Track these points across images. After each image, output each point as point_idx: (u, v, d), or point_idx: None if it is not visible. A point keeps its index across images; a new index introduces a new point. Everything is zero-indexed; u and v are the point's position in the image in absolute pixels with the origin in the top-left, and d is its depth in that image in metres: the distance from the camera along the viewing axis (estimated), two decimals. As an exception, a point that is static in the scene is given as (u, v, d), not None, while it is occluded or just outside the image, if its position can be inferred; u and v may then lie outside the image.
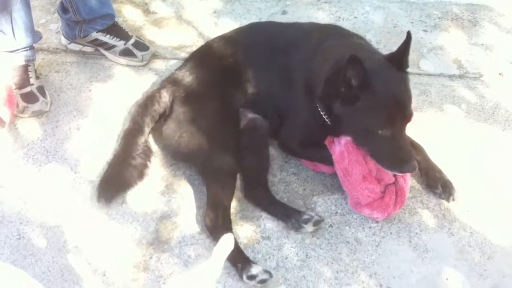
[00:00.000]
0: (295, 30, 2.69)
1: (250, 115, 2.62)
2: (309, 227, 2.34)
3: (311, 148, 2.54)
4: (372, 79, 2.10)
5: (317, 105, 2.37)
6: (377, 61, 2.27)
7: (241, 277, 2.20)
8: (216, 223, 2.32)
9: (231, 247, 1.56)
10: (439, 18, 3.54)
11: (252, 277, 2.17)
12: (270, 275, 2.18)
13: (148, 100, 2.64)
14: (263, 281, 2.17)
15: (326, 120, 2.37)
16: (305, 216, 2.35)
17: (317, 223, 2.35)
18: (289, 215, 2.38)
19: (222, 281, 2.22)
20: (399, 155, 2.19)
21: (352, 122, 2.24)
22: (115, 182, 2.50)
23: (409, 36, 2.17)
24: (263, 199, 2.47)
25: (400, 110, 2.16)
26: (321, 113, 2.37)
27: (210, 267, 1.50)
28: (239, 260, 2.22)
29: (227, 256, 2.13)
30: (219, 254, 1.53)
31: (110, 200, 2.46)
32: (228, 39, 2.79)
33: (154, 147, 2.68)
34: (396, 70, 2.21)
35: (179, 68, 2.73)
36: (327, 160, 2.43)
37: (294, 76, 2.50)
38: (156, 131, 2.72)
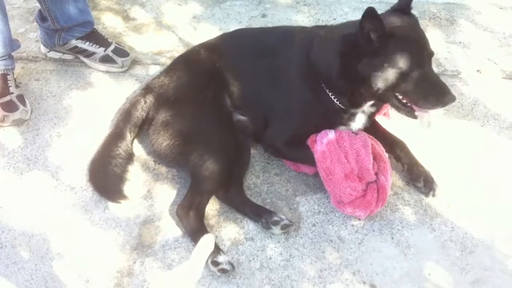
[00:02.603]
0: (279, 32, 2.72)
1: (236, 117, 2.64)
2: (276, 230, 2.37)
3: (295, 148, 2.55)
4: (391, 25, 2.21)
5: (327, 90, 2.41)
6: (387, 13, 2.37)
7: (206, 261, 2.24)
8: (187, 214, 2.37)
9: (211, 248, 1.56)
10: (416, 17, 3.57)
11: (215, 263, 2.23)
12: (233, 267, 2.24)
13: (132, 106, 2.66)
14: (224, 271, 2.23)
15: (337, 103, 2.42)
16: (275, 218, 2.37)
17: (285, 227, 2.36)
18: (260, 215, 2.41)
19: (206, 284, 2.22)
20: (436, 89, 2.25)
21: (383, 73, 2.24)
22: (102, 178, 2.56)
23: None
24: (236, 199, 2.49)
25: (424, 48, 2.26)
26: (332, 97, 2.42)
27: (191, 268, 1.50)
28: None
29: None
30: (199, 254, 1.53)
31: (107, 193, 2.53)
32: (213, 45, 2.82)
33: (135, 152, 2.68)
34: (405, 15, 2.31)
35: (165, 73, 2.75)
36: (310, 159, 2.45)
37: (285, 75, 2.53)
38: (139, 137, 2.73)
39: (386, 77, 2.24)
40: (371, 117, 2.54)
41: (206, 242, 1.57)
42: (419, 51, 2.24)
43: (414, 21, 2.35)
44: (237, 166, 2.56)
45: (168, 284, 1.48)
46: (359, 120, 2.50)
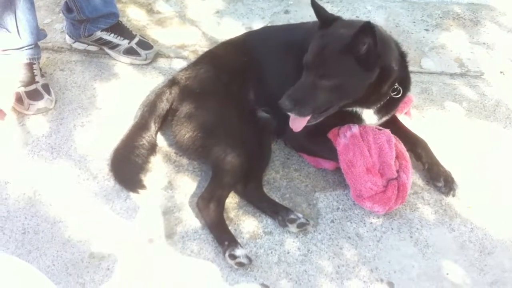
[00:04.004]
0: (306, 29, 2.73)
1: (260, 114, 2.66)
2: (292, 228, 2.37)
3: (316, 141, 2.56)
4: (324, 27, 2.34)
5: None
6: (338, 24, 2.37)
7: (224, 254, 2.27)
8: (208, 206, 2.39)
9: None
10: (440, 17, 3.57)
11: (233, 257, 2.24)
12: (250, 261, 2.25)
13: (158, 97, 2.70)
14: (241, 264, 2.24)
15: None
16: (292, 216, 2.38)
17: (301, 225, 2.37)
18: (277, 212, 2.42)
19: (224, 275, 2.24)
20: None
21: None
22: (123, 167, 2.60)
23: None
24: (254, 195, 2.50)
25: (310, 57, 2.28)
26: None
27: None
28: (227, 239, 2.31)
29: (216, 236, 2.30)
30: None
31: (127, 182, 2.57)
32: (241, 41, 2.85)
33: (158, 143, 2.71)
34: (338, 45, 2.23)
35: (192, 66, 2.78)
36: (331, 153, 2.46)
37: None
38: (161, 129, 2.76)
39: None
40: (384, 111, 2.51)
41: None
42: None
43: (328, 40, 2.30)
44: (257, 162, 2.57)
45: None
46: (368, 116, 2.49)
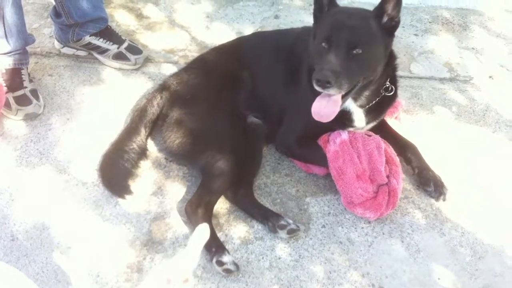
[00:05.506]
0: (296, 34, 2.75)
1: (250, 119, 2.66)
2: (283, 234, 2.36)
3: (307, 147, 2.56)
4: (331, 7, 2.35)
5: None
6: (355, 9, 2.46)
7: (211, 260, 2.25)
8: (196, 211, 2.37)
9: (207, 236, 1.58)
10: (429, 22, 3.59)
11: (220, 263, 2.22)
12: (237, 268, 2.24)
13: (148, 102, 2.69)
14: (228, 271, 2.22)
15: None
16: (282, 222, 2.37)
17: (292, 231, 2.36)
18: (267, 218, 2.41)
19: (215, 282, 2.22)
20: (321, 64, 2.19)
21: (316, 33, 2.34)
22: (111, 172, 2.57)
23: None
24: (244, 201, 2.49)
25: (337, 30, 2.21)
26: None
27: (187, 256, 1.51)
28: (214, 245, 2.28)
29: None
30: (196, 242, 1.54)
31: (114, 188, 2.55)
32: (232, 46, 2.85)
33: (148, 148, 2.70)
34: (361, 16, 2.28)
35: (183, 71, 2.78)
36: (322, 159, 2.46)
37: (298, 74, 2.54)
38: (151, 134, 2.74)
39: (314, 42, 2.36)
40: (373, 114, 2.52)
41: (202, 230, 1.58)
42: (332, 30, 2.24)
43: (356, 18, 2.31)
44: (248, 167, 2.56)
45: (165, 273, 1.49)
46: (358, 117, 2.48)
